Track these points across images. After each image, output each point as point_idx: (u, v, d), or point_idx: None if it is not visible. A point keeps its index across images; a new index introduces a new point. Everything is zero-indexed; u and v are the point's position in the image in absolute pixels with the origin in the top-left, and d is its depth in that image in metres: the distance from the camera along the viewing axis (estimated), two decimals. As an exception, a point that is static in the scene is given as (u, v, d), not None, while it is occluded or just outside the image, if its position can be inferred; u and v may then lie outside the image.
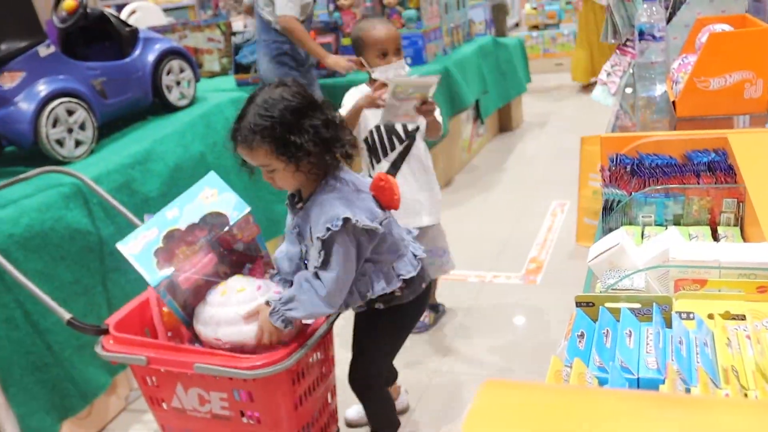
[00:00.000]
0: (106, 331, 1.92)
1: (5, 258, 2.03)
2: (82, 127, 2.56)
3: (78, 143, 2.55)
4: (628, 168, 1.53)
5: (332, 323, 1.93)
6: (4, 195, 2.22)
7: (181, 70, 3.05)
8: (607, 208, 1.52)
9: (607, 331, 0.98)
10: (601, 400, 0.58)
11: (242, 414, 1.89)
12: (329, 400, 2.11)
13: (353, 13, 4.32)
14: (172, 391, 1.94)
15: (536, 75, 6.33)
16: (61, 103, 2.47)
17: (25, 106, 2.40)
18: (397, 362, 2.58)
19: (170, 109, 3.01)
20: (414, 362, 2.57)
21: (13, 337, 2.06)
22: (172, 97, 3.01)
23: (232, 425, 1.92)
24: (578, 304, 1.06)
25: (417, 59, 4.22)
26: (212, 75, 4.74)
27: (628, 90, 2.70)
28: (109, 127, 2.80)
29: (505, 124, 5.62)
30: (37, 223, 2.17)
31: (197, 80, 3.16)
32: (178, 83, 3.04)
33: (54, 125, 2.45)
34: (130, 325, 1.99)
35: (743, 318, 0.98)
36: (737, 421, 0.55)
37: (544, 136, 5.36)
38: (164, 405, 2.00)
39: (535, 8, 8.41)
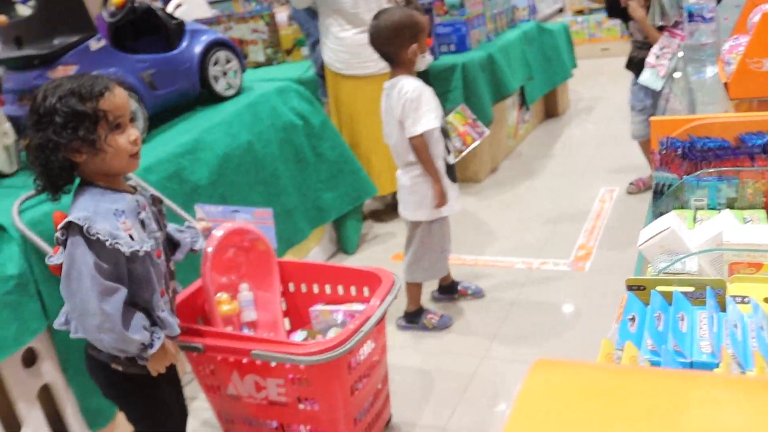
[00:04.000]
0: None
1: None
2: (133, 118, 2.61)
3: (129, 134, 2.61)
4: (679, 151, 1.51)
5: (385, 311, 1.94)
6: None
7: (228, 61, 3.09)
8: (658, 192, 1.50)
9: (660, 314, 0.97)
10: (654, 379, 0.58)
11: (299, 400, 1.92)
12: (381, 387, 2.13)
13: None
14: (228, 378, 1.98)
15: (582, 60, 6.23)
16: (113, 95, 2.53)
17: (78, 98, 2.46)
18: (445, 348, 2.60)
19: (217, 99, 3.06)
20: (460, 349, 2.57)
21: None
22: (219, 87, 3.05)
23: (289, 411, 1.95)
24: (629, 288, 1.06)
25: (461, 46, 4.19)
26: (257, 65, 4.79)
27: (678, 73, 2.64)
28: (159, 118, 2.86)
29: (551, 110, 5.55)
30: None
31: (243, 70, 3.20)
32: (225, 74, 3.08)
33: (106, 117, 2.51)
34: (183, 313, 2.03)
35: (801, 301, 0.96)
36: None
37: (591, 122, 5.28)
38: (220, 392, 2.05)
39: (580, -8, 8.26)
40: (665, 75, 2.88)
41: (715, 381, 0.60)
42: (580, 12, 8.27)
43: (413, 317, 2.72)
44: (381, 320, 1.94)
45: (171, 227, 1.77)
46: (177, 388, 1.83)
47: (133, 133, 1.53)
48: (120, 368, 1.62)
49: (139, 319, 1.54)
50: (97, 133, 1.45)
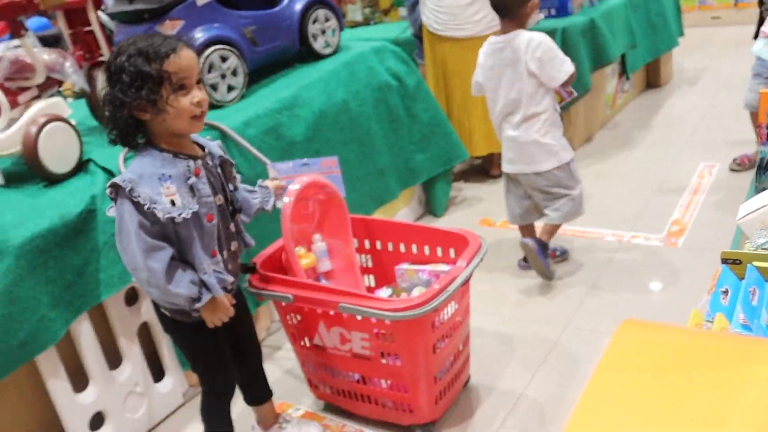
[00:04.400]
0: (254, 269, 2.05)
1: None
2: (234, 73, 2.69)
3: (230, 88, 2.70)
4: (790, 125, 1.44)
5: (470, 273, 1.96)
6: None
7: (327, 20, 3.13)
8: (762, 167, 1.44)
9: (754, 289, 0.95)
10: (743, 345, 0.57)
11: (382, 355, 1.97)
12: (462, 349, 2.16)
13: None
14: (314, 329, 2.05)
15: (690, 29, 5.93)
16: (216, 50, 2.61)
17: (184, 52, 2.56)
18: (528, 315, 2.59)
19: (315, 57, 3.11)
20: (544, 317, 2.57)
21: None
22: (318, 45, 3.10)
23: (371, 365, 2.01)
24: (724, 261, 1.03)
25: (562, 11, 4.07)
26: (355, 24, 4.81)
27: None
28: (259, 74, 2.94)
29: (652, 80, 5.34)
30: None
31: (341, 29, 3.23)
32: (323, 32, 3.12)
33: (209, 71, 2.60)
34: (272, 266, 2.11)
35: None
36: None
37: (695, 94, 5.05)
38: (305, 342, 2.12)
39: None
40: (780, 46, 2.73)
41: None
42: (691, -23, 7.86)
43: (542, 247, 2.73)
44: (466, 282, 1.96)
45: (243, 188, 1.83)
46: (237, 332, 1.91)
47: (198, 94, 1.56)
48: (167, 313, 1.74)
49: (187, 275, 1.62)
50: (159, 93, 1.50)
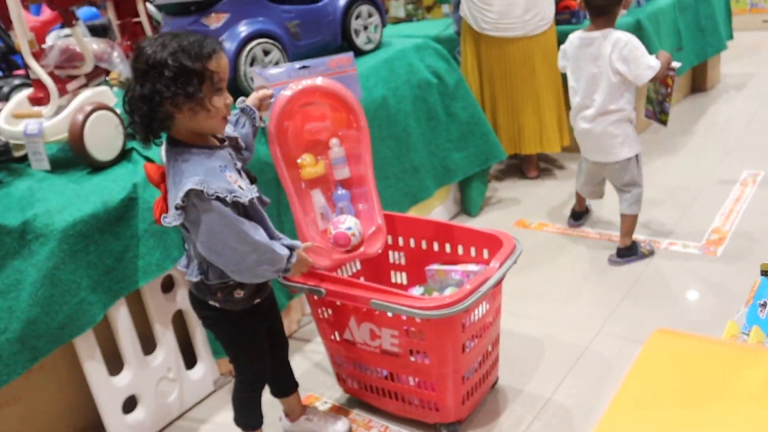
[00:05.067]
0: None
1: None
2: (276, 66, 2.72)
3: (272, 82, 2.72)
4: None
5: (504, 274, 1.95)
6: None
7: (369, 15, 3.14)
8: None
9: (793, 304, 0.93)
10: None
11: (411, 352, 1.98)
12: (491, 350, 2.15)
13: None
14: (345, 324, 2.06)
15: (739, 32, 5.81)
16: (259, 43, 2.64)
17: (227, 45, 2.59)
18: (560, 319, 2.58)
19: (357, 52, 3.12)
20: (576, 321, 2.55)
21: (207, 255, 2.28)
22: (360, 41, 3.11)
23: (400, 362, 2.01)
24: (764, 273, 1.02)
25: (607, 11, 4.02)
26: (397, 21, 4.82)
27: None
28: (300, 68, 2.95)
29: (698, 83, 5.24)
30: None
31: (384, 26, 3.24)
32: (366, 28, 3.13)
33: (251, 64, 2.63)
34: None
35: None
36: None
37: (741, 100, 4.94)
38: (336, 336, 2.14)
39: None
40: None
41: None
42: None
43: (630, 250, 2.92)
44: (499, 283, 1.95)
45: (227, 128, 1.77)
46: (269, 324, 1.97)
47: (229, 97, 1.60)
48: (217, 304, 1.77)
49: (276, 241, 1.71)
50: (201, 91, 1.52)
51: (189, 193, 1.53)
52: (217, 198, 1.55)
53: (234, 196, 1.57)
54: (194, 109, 1.54)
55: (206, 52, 1.52)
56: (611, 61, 2.67)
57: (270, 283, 1.90)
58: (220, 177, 1.58)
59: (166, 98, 1.51)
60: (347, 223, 2.07)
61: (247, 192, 1.62)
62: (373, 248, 2.11)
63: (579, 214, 3.30)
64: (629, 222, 2.89)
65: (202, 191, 1.53)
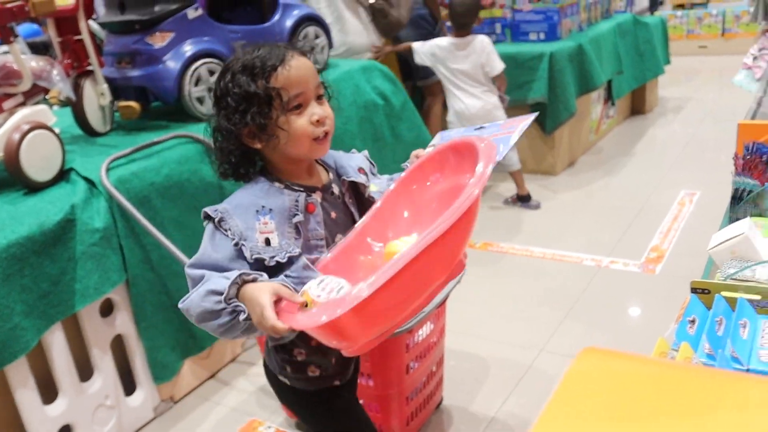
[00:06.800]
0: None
1: (147, 204, 2.21)
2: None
3: (216, 102, 2.70)
4: (765, 158, 1.47)
5: (448, 294, 1.96)
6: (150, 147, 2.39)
7: (316, 36, 3.14)
8: (736, 198, 1.46)
9: (721, 319, 0.96)
10: (703, 377, 0.58)
11: (355, 373, 1.96)
12: (435, 369, 2.16)
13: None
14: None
15: (677, 57, 6.02)
16: (204, 63, 2.62)
17: (172, 64, 2.57)
18: (503, 338, 2.60)
19: (303, 73, 3.12)
20: (519, 340, 2.57)
21: (147, 277, 2.23)
22: (305, 62, 3.11)
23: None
24: (694, 290, 1.05)
25: (551, 35, 4.13)
26: (344, 43, 4.83)
27: (775, 77, 2.54)
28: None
29: (637, 106, 5.41)
30: (175, 173, 2.33)
31: (330, 47, 3.25)
32: (312, 49, 3.13)
33: (196, 84, 2.60)
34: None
35: None
36: None
37: (678, 123, 5.12)
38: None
39: (681, -14, 7.97)
40: (761, 78, 2.77)
41: (764, 384, 0.59)
42: (680, 6, 7.98)
43: (527, 198, 3.79)
44: (442, 303, 1.96)
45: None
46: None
47: (318, 111, 1.28)
48: (287, 381, 1.45)
49: None
50: (269, 115, 1.24)
51: (205, 214, 1.28)
52: (226, 237, 1.24)
53: (242, 243, 1.22)
54: (268, 138, 1.26)
55: (269, 66, 1.24)
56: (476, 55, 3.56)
57: (355, 358, 1.53)
58: (250, 218, 1.25)
59: (233, 132, 1.27)
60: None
61: (268, 251, 1.22)
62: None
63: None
64: (519, 176, 3.75)
65: (213, 219, 1.25)
